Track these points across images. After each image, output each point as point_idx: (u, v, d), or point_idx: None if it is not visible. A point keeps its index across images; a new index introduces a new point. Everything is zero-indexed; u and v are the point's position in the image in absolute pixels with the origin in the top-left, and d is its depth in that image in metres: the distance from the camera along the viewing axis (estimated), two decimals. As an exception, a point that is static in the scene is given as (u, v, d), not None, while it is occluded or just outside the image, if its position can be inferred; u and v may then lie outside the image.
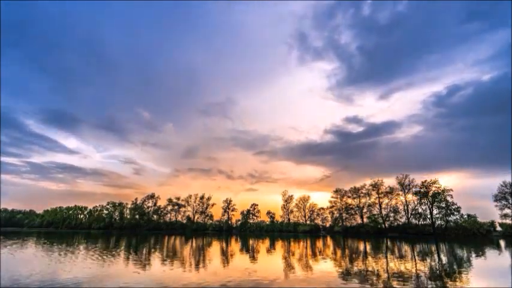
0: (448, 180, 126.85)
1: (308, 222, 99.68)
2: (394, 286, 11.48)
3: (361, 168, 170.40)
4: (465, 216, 70.54)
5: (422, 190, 76.55)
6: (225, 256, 22.80)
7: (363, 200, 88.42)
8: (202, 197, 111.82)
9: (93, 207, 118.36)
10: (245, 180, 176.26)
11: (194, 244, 36.93)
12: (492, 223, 70.39)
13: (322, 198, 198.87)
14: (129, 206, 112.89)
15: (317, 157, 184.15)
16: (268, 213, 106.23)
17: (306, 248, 32.90)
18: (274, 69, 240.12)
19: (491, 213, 70.84)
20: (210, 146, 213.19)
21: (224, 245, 36.66)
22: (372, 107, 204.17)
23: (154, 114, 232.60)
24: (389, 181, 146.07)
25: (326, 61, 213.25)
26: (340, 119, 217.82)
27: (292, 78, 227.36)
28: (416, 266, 17.16)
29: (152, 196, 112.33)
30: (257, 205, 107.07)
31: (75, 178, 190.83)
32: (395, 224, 79.63)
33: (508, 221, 68.08)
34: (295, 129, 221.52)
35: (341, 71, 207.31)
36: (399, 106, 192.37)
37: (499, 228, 70.65)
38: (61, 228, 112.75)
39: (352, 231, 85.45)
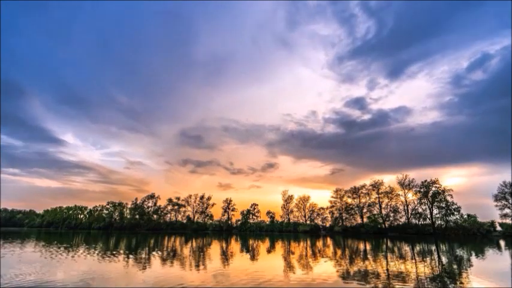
0: (459, 173, 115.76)
1: (308, 222, 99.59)
2: (394, 286, 11.48)
3: (368, 162, 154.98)
4: (465, 216, 70.55)
5: (422, 190, 76.60)
6: (225, 256, 22.79)
7: (363, 200, 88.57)
8: (202, 197, 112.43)
9: (93, 207, 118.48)
10: (246, 176, 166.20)
11: (194, 244, 36.91)
12: (492, 223, 70.36)
13: (327, 197, 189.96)
14: (129, 205, 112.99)
15: (319, 151, 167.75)
16: (268, 213, 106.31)
17: (306, 248, 32.88)
18: (260, 38, 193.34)
19: (495, 211, 69.68)
20: (203, 136, 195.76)
21: (224, 245, 36.64)
22: (379, 87, 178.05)
23: (134, 96, 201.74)
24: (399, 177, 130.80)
25: (322, 23, 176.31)
26: (342, 104, 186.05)
27: (284, 52, 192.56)
28: (416, 266, 17.15)
29: (152, 196, 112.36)
30: (257, 205, 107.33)
31: (59, 173, 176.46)
32: (395, 224, 79.67)
33: (508, 221, 68.02)
34: (291, 117, 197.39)
35: (340, 38, 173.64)
36: (411, 85, 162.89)
37: (499, 228, 70.61)
38: (61, 228, 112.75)
39: (352, 231, 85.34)
